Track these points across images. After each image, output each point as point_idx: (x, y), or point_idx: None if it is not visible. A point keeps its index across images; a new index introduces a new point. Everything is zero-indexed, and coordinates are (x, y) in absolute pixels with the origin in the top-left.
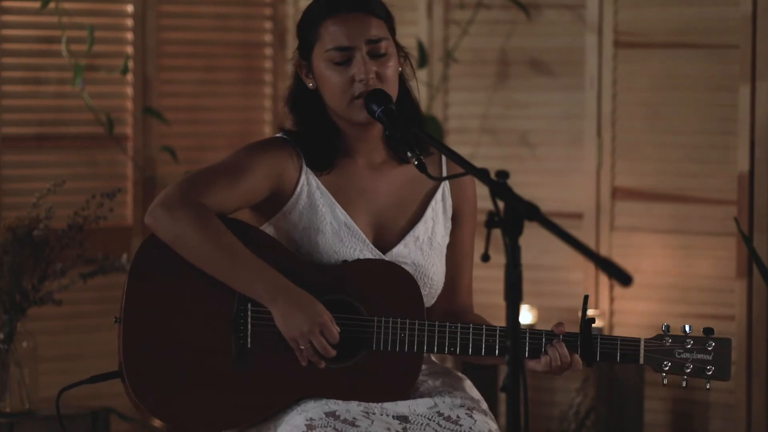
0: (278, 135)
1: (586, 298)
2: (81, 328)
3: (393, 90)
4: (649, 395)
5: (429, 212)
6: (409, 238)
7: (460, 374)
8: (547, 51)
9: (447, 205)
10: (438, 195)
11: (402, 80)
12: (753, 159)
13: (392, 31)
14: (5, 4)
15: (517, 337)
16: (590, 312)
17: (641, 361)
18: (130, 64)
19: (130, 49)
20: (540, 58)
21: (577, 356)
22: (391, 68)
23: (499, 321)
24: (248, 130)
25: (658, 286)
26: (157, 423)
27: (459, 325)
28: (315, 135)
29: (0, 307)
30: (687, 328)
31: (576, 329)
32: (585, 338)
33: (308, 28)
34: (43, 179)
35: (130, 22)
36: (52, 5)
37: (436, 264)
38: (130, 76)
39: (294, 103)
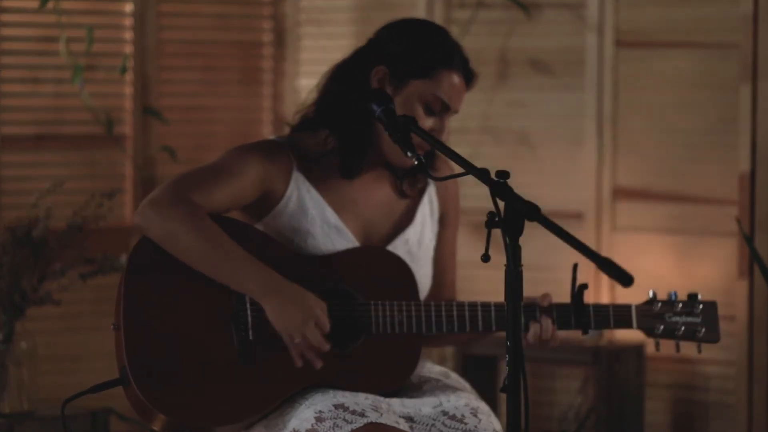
0: (272, 138)
1: (575, 266)
2: (80, 328)
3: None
4: (649, 396)
5: (419, 216)
6: (398, 241)
7: (461, 378)
8: (548, 51)
9: (434, 207)
10: (425, 198)
11: None
12: (754, 159)
13: None
14: (4, 3)
15: (518, 337)
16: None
17: (634, 325)
18: (130, 63)
19: (129, 49)
20: (540, 57)
21: (558, 332)
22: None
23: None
24: (248, 130)
25: (658, 286)
26: (157, 426)
27: (455, 303)
28: (359, 140)
29: None
30: (673, 294)
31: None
32: (578, 306)
33: (428, 56)
34: (43, 179)
35: (129, 22)
36: (50, 5)
37: (423, 266)
38: (129, 76)
39: (350, 102)
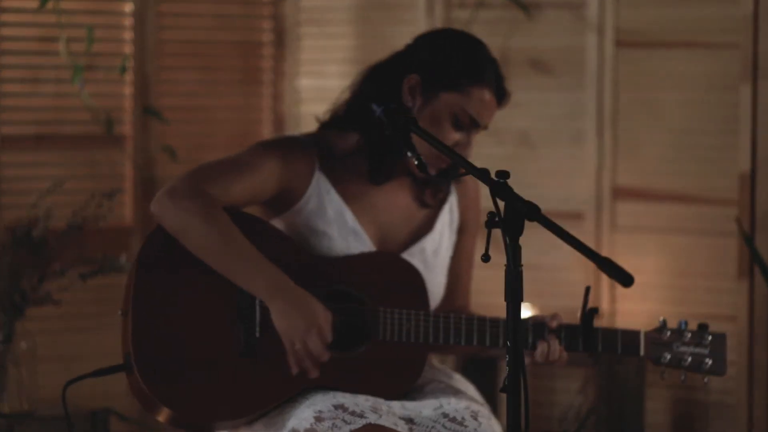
0: (297, 135)
1: (587, 289)
2: (80, 328)
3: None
4: (649, 396)
5: (438, 226)
6: (415, 249)
7: (464, 378)
8: (548, 51)
9: (454, 218)
10: (446, 208)
11: None
12: (755, 158)
13: None
14: (4, 3)
15: (518, 338)
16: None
17: (641, 353)
18: (130, 63)
19: (129, 49)
20: (540, 57)
21: (565, 353)
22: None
23: None
24: (247, 130)
25: (659, 286)
26: (162, 417)
27: (463, 316)
28: (390, 146)
29: None
30: (683, 323)
31: (576, 323)
32: (587, 329)
33: (461, 70)
34: (42, 179)
35: (129, 22)
36: (50, 5)
37: (438, 276)
38: (129, 76)
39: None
